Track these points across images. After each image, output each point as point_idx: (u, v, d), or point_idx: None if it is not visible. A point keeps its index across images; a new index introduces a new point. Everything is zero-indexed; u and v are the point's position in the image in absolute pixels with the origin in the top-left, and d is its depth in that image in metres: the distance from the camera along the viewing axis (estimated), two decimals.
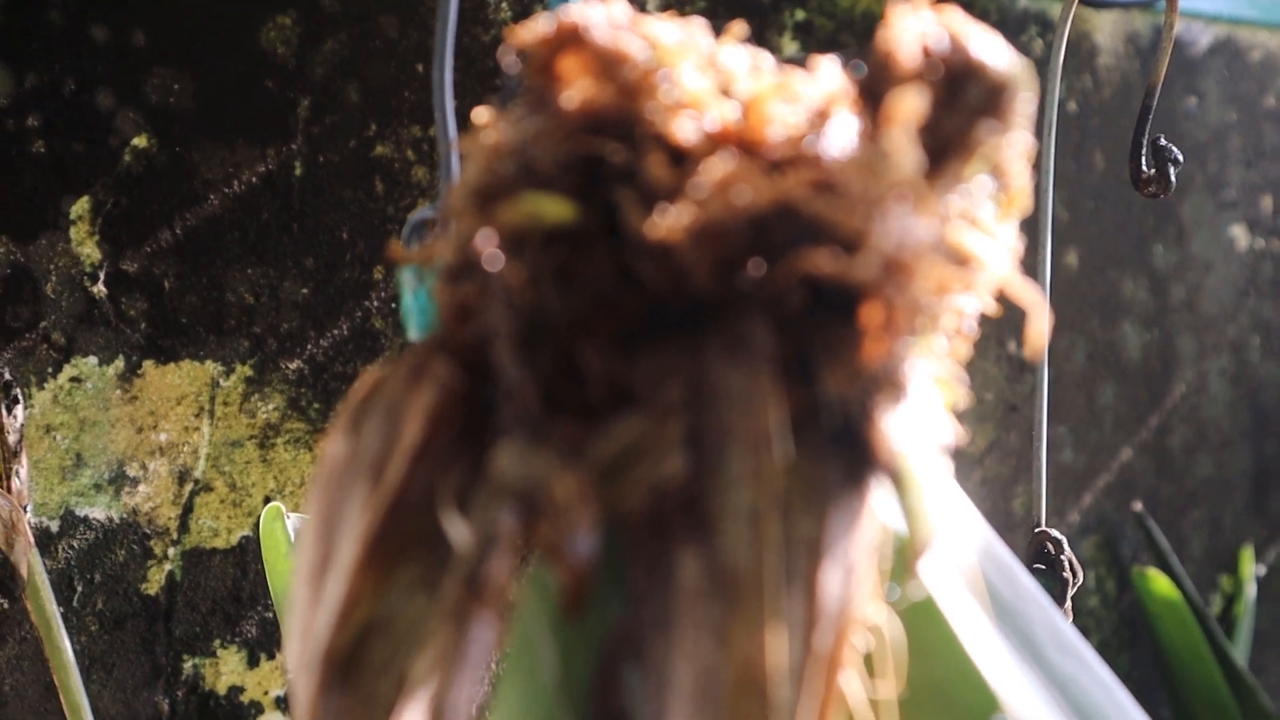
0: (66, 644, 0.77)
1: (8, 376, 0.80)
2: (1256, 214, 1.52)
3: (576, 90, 0.31)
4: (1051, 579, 0.66)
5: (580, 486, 0.28)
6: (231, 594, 0.99)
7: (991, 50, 0.32)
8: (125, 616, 0.96)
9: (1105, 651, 1.40)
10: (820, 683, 0.27)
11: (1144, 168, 0.69)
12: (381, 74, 1.03)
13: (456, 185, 0.31)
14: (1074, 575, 0.66)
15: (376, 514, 0.29)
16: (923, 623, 0.32)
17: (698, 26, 0.33)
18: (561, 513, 0.28)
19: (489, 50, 1.06)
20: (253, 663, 1.01)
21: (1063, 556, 0.66)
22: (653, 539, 0.28)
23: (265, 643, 1.01)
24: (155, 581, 0.97)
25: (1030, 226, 0.53)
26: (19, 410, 0.80)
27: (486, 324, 0.30)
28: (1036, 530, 0.67)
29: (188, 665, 0.98)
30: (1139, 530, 1.41)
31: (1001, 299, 0.32)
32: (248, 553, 0.99)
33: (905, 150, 0.30)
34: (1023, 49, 1.32)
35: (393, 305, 1.04)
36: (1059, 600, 0.66)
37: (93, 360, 0.93)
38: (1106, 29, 1.39)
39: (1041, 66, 1.27)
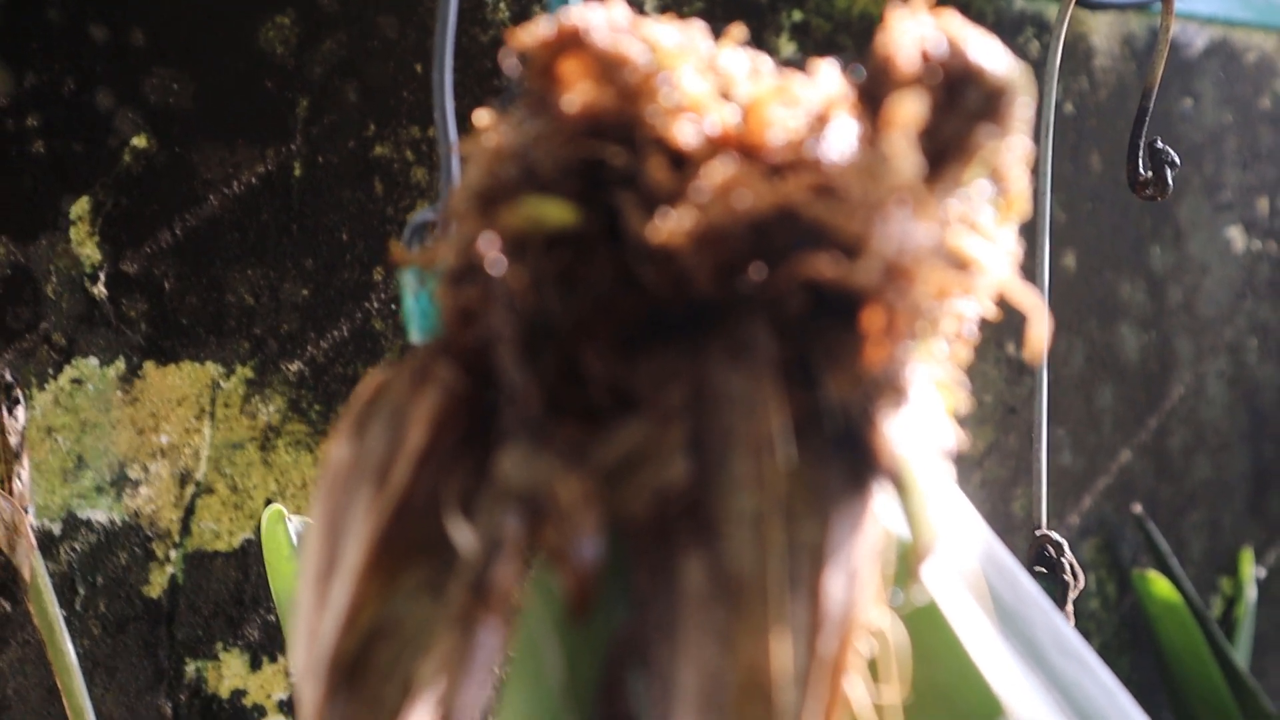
0: (69, 647, 0.77)
1: (9, 378, 0.80)
2: (1253, 215, 1.52)
3: (577, 93, 0.31)
4: (1053, 582, 0.66)
5: (584, 490, 0.28)
6: (234, 597, 0.99)
7: (990, 55, 0.32)
8: (127, 619, 0.96)
9: (1106, 654, 1.40)
10: (824, 687, 0.27)
11: (1141, 170, 0.69)
12: (380, 74, 1.03)
13: (458, 188, 0.32)
14: (1075, 578, 0.66)
15: (381, 518, 0.29)
16: (926, 627, 0.32)
17: (697, 29, 0.33)
18: (566, 517, 0.28)
19: (488, 50, 1.06)
20: (255, 666, 1.00)
21: (1063, 560, 0.66)
22: (656, 543, 0.28)
23: (268, 645, 1.01)
24: (157, 584, 0.97)
25: (1028, 229, 0.53)
26: (20, 411, 0.79)
27: (489, 328, 0.30)
28: (1037, 533, 0.68)
29: (190, 668, 0.98)
30: (1139, 532, 1.41)
31: (1001, 302, 0.32)
32: (249, 555, 0.99)
33: (905, 155, 0.30)
34: (1019, 51, 1.33)
35: (393, 307, 1.04)
36: (1060, 603, 0.66)
37: (93, 361, 0.93)
38: (1103, 31, 1.39)
39: (1038, 68, 1.27)
